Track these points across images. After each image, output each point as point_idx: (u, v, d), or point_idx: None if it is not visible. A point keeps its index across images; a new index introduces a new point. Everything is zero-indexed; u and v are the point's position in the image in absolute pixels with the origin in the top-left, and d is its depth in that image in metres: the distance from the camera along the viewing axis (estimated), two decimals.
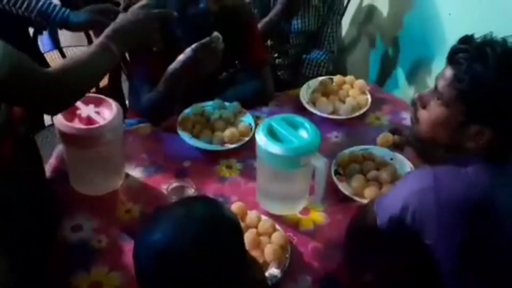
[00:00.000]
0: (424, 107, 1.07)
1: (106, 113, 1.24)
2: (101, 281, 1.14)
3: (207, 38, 1.42)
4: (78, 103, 1.21)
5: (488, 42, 0.98)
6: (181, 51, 1.48)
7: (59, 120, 1.20)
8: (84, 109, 1.22)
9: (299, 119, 1.24)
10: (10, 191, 1.09)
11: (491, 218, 0.97)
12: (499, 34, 1.00)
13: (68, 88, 1.03)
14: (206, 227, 0.76)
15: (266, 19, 1.86)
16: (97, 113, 1.23)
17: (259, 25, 1.83)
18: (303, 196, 1.29)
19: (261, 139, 1.17)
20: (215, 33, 1.42)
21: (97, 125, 1.20)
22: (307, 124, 1.22)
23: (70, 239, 1.22)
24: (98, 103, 1.26)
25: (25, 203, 1.14)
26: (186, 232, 0.75)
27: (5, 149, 1.11)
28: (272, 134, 1.19)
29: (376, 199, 1.12)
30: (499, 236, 0.97)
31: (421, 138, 1.09)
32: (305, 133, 1.20)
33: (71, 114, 1.22)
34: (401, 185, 1.08)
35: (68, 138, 1.22)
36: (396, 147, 1.44)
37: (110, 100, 1.28)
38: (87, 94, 1.30)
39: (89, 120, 1.21)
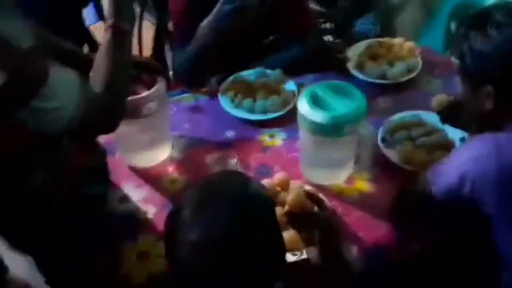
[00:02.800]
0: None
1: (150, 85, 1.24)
2: (148, 250, 1.16)
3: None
4: None
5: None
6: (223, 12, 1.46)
7: None
8: None
9: (344, 85, 1.19)
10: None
11: None
12: None
13: (118, 99, 1.02)
14: (237, 212, 0.75)
15: None
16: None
17: None
18: (347, 164, 1.25)
19: (303, 106, 1.14)
20: None
21: (140, 95, 1.20)
22: (353, 90, 1.17)
23: (117, 210, 1.25)
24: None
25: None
26: (217, 219, 0.74)
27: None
28: (315, 101, 1.15)
29: (431, 167, 1.06)
30: None
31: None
32: (351, 99, 1.15)
33: None
34: (460, 152, 1.02)
35: None
36: (450, 109, 1.33)
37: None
38: None
39: (133, 91, 1.22)
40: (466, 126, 1.26)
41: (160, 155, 1.36)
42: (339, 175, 1.27)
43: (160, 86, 1.21)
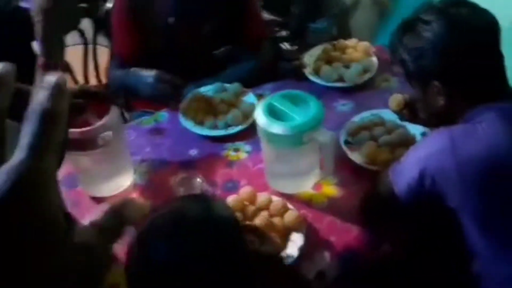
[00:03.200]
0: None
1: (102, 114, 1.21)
2: (118, 281, 1.12)
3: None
4: None
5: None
6: (167, 26, 1.46)
7: None
8: None
9: (300, 93, 1.19)
10: None
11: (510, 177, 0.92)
12: None
13: None
14: (201, 238, 0.73)
15: None
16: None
17: None
18: (312, 171, 1.24)
19: (260, 119, 1.13)
20: None
21: (93, 126, 1.17)
22: (308, 98, 1.16)
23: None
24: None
25: None
26: (181, 246, 0.72)
27: None
28: (272, 113, 1.15)
29: (391, 167, 1.07)
30: None
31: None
32: (307, 107, 1.15)
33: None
34: (417, 149, 1.04)
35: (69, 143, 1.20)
36: (409, 107, 1.33)
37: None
38: None
39: (86, 123, 1.19)
40: (425, 123, 1.28)
41: (122, 183, 1.33)
42: (305, 183, 1.26)
43: (113, 114, 1.18)
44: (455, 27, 0.99)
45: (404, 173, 1.01)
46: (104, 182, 1.31)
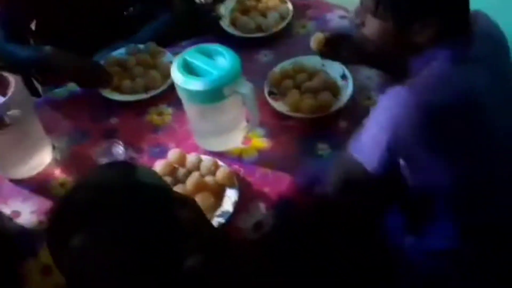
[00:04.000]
0: (363, 24, 0.99)
1: (3, 89, 1.12)
2: (50, 263, 1.07)
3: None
4: None
5: None
6: None
7: None
8: None
9: (215, 47, 1.15)
10: None
11: (472, 112, 0.92)
12: None
13: None
14: (126, 207, 0.67)
15: None
16: None
17: None
18: (239, 126, 1.23)
19: (177, 77, 1.09)
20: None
21: None
22: (224, 50, 1.13)
23: (10, 228, 1.15)
24: None
25: None
26: (105, 220, 0.66)
27: None
28: (188, 69, 1.11)
29: (351, 146, 1.01)
30: (479, 126, 0.93)
31: (373, 55, 1.04)
32: (224, 61, 1.12)
33: None
34: (379, 113, 0.96)
35: None
36: (329, 45, 1.27)
37: (7, 75, 1.15)
38: None
39: None
40: (348, 60, 1.29)
41: (41, 161, 1.26)
42: (234, 138, 1.25)
43: (16, 88, 1.10)
44: None
45: (372, 147, 0.95)
46: (21, 163, 1.23)
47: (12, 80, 1.13)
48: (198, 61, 1.10)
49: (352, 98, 1.31)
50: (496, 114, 0.95)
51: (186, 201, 0.80)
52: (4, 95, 1.09)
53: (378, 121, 0.95)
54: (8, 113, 1.06)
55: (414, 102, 0.89)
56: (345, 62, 1.32)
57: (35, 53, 1.36)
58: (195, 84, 1.06)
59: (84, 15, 1.41)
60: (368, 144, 0.97)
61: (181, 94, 1.13)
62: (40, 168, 1.25)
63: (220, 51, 1.13)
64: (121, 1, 1.50)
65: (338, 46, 1.25)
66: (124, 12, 1.53)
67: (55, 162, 1.27)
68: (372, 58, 1.15)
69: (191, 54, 1.12)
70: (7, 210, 1.18)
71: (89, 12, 1.42)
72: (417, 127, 0.89)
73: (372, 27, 0.98)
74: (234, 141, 1.26)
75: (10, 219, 1.17)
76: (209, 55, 1.12)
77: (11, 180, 1.24)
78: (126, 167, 0.75)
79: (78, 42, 1.34)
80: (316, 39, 1.26)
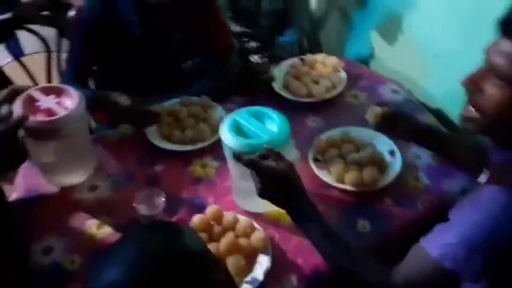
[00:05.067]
0: (480, 90, 0.89)
1: (68, 103, 1.18)
2: None
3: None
4: (38, 94, 1.16)
5: None
6: (132, 43, 1.43)
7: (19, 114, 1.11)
8: (44, 100, 1.16)
9: (266, 110, 1.16)
10: None
11: None
12: None
13: None
14: (162, 268, 0.68)
15: None
16: (58, 103, 1.17)
17: None
18: None
19: (226, 135, 1.10)
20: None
21: (57, 117, 1.14)
22: (275, 115, 1.14)
23: (41, 263, 1.16)
24: (59, 93, 1.20)
25: None
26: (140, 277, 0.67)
27: None
28: (238, 129, 1.12)
29: (426, 240, 0.93)
30: None
31: (487, 128, 0.91)
32: (274, 125, 1.13)
33: (32, 106, 1.14)
34: (462, 214, 0.89)
35: (31, 132, 1.13)
36: (386, 120, 1.27)
37: (73, 91, 1.21)
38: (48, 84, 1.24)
39: (50, 112, 1.15)
40: (404, 136, 1.28)
41: (84, 174, 1.32)
42: None
43: (78, 105, 1.16)
44: None
45: (460, 246, 0.86)
46: (64, 171, 1.29)
47: (76, 95, 1.19)
48: (248, 123, 1.11)
49: (399, 176, 1.28)
50: None
51: (221, 267, 0.79)
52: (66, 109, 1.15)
53: (471, 220, 0.86)
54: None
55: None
56: (399, 138, 1.31)
57: (93, 93, 1.43)
58: (242, 145, 1.07)
59: (144, 65, 1.48)
60: (456, 243, 0.87)
61: (227, 153, 1.14)
62: (80, 180, 1.31)
63: (272, 115, 1.14)
64: (180, 55, 1.56)
65: (394, 122, 1.25)
66: (182, 65, 1.58)
67: (96, 201, 1.29)
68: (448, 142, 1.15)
69: (242, 115, 1.13)
70: (40, 245, 1.19)
71: (149, 62, 1.48)
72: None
73: (497, 94, 0.86)
74: (272, 204, 1.24)
75: (42, 253, 1.18)
76: (260, 118, 1.14)
77: (50, 215, 1.27)
78: (170, 231, 0.75)
79: (134, 88, 1.40)
80: (373, 112, 1.26)
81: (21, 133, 1.07)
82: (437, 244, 0.89)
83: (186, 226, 1.08)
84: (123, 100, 1.36)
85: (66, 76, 1.51)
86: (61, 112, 1.14)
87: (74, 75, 1.48)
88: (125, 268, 0.67)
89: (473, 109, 0.91)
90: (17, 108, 1.09)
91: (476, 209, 0.87)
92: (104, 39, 1.44)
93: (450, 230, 0.89)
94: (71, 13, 1.74)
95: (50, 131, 1.14)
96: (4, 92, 1.12)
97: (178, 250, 0.71)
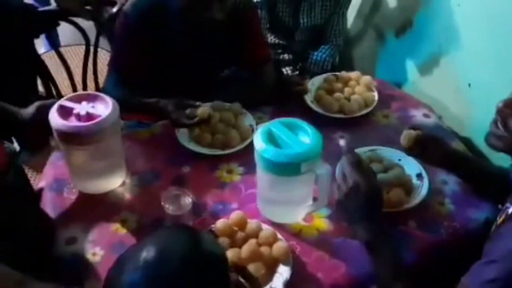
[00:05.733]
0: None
1: (102, 108, 1.21)
2: None
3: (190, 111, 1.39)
4: (72, 103, 1.18)
5: None
6: (176, 48, 1.45)
7: (57, 121, 1.15)
8: (79, 107, 1.18)
9: (300, 123, 1.17)
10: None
11: None
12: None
13: None
14: (182, 272, 0.69)
15: None
16: (93, 108, 1.19)
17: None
18: (305, 202, 1.23)
19: (259, 144, 1.11)
20: (203, 108, 1.40)
21: (96, 121, 1.16)
22: (308, 128, 1.15)
23: (64, 252, 1.18)
24: (92, 99, 1.23)
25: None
26: (159, 280, 0.68)
27: None
28: (271, 139, 1.13)
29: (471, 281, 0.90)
30: None
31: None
32: (307, 138, 1.13)
33: (67, 113, 1.18)
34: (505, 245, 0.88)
35: (68, 137, 1.17)
36: (419, 143, 1.27)
37: (107, 97, 1.24)
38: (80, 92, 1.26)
39: (86, 117, 1.17)
40: (434, 161, 1.28)
41: (115, 181, 1.32)
42: (296, 213, 1.24)
43: (112, 109, 1.18)
44: None
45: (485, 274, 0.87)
46: (97, 179, 1.30)
47: (110, 101, 1.21)
48: (282, 134, 1.12)
49: (425, 199, 1.27)
50: None
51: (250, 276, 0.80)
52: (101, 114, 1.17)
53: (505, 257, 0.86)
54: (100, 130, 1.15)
55: None
56: (429, 162, 1.31)
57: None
58: (275, 155, 1.08)
59: (183, 73, 1.50)
60: (500, 279, 0.85)
61: (258, 161, 1.14)
62: (112, 187, 1.31)
63: (305, 128, 1.15)
64: (219, 64, 1.59)
65: (426, 146, 1.25)
66: (220, 74, 1.61)
67: (122, 197, 1.31)
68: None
69: (276, 125, 1.14)
70: (66, 234, 1.21)
71: (188, 70, 1.51)
72: None
73: None
74: (296, 216, 1.25)
75: (66, 242, 1.20)
76: (294, 129, 1.14)
77: (76, 205, 1.29)
78: (192, 236, 0.76)
79: (172, 95, 1.43)
80: (407, 136, 1.27)
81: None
82: (481, 282, 0.87)
83: (206, 232, 1.09)
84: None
85: (113, 81, 1.53)
86: (96, 118, 1.16)
87: (120, 77, 1.51)
88: (145, 270, 0.69)
89: (501, 127, 0.96)
90: (53, 117, 1.14)
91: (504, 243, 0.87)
92: (151, 51, 1.48)
93: (491, 265, 0.87)
94: (114, 9, 1.79)
95: (88, 136, 1.16)
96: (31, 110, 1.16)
97: (198, 254, 0.72)
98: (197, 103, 1.41)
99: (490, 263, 0.88)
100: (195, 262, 0.71)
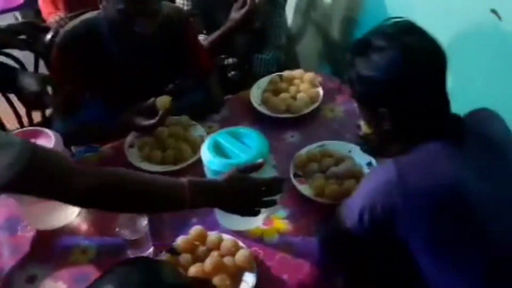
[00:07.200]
0: None
1: (44, 143, 1.19)
2: None
3: (151, 102, 1.40)
4: None
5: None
6: (116, 69, 1.44)
7: None
8: None
9: (244, 130, 1.19)
10: None
11: (459, 208, 0.94)
12: None
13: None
14: None
15: (218, 33, 1.79)
16: None
17: (208, 41, 1.77)
18: None
19: (205, 156, 1.12)
20: (162, 99, 1.39)
21: None
22: (253, 134, 1.17)
23: None
24: (35, 135, 1.21)
25: None
26: None
27: None
28: (218, 150, 1.14)
29: (343, 202, 1.09)
30: (470, 225, 0.94)
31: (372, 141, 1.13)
32: (253, 145, 1.15)
33: None
34: (366, 182, 1.05)
35: None
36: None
37: (48, 131, 1.23)
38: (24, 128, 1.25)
39: None
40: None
41: (70, 214, 1.30)
42: (255, 218, 1.24)
43: (55, 145, 1.16)
44: (408, 56, 0.97)
45: (354, 207, 1.02)
46: (51, 214, 1.27)
47: (53, 137, 1.20)
48: (228, 143, 1.13)
49: None
50: (486, 216, 0.95)
51: None
52: None
53: (365, 186, 1.04)
54: None
55: (396, 180, 0.95)
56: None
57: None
58: (222, 165, 1.09)
59: (126, 90, 1.49)
60: (353, 204, 1.03)
61: (207, 172, 1.15)
62: (67, 221, 1.29)
63: (249, 134, 1.16)
64: (164, 79, 1.58)
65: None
66: (165, 89, 1.60)
67: (78, 226, 1.29)
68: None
69: (222, 136, 1.15)
70: (24, 273, 1.18)
71: (131, 88, 1.50)
72: (394, 205, 0.95)
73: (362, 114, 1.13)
74: (255, 221, 1.25)
75: (26, 281, 1.16)
76: (239, 137, 1.15)
77: (31, 242, 1.26)
78: (152, 269, 0.76)
79: (121, 109, 1.42)
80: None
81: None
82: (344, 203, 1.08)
83: (166, 262, 1.08)
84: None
85: (63, 117, 1.51)
86: None
87: (72, 111, 1.49)
88: None
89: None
90: None
91: (367, 180, 1.07)
92: (87, 68, 1.46)
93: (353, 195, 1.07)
94: (48, 36, 1.75)
95: None
96: None
97: (157, 286, 0.72)
98: (151, 99, 1.41)
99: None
100: None
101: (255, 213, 1.07)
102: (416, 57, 0.98)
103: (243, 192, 1.04)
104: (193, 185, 1.01)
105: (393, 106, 1.01)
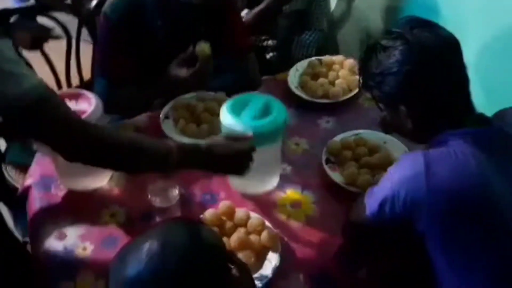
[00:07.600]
0: None
1: (85, 105, 1.21)
2: None
3: (190, 50, 1.38)
4: None
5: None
6: (158, 43, 1.43)
7: None
8: None
9: (266, 97, 1.23)
10: None
11: (483, 207, 0.93)
12: None
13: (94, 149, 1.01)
14: (184, 263, 0.71)
15: (261, 7, 1.77)
16: (76, 106, 1.19)
17: (252, 14, 1.75)
18: (274, 171, 1.28)
19: (224, 116, 1.18)
20: (201, 45, 1.37)
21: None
22: (275, 103, 1.21)
23: (55, 248, 1.18)
24: (75, 97, 1.22)
25: None
26: (163, 272, 0.69)
27: None
28: (236, 112, 1.19)
29: (368, 189, 1.07)
30: (491, 225, 0.94)
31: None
32: (271, 111, 1.18)
33: None
34: (392, 172, 1.04)
35: None
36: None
37: (88, 93, 1.24)
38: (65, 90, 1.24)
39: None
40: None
41: (102, 178, 1.32)
42: (268, 182, 1.28)
43: (95, 108, 1.18)
44: (417, 52, 0.98)
45: (377, 196, 1.02)
46: (84, 176, 1.29)
47: (94, 100, 1.22)
48: (247, 107, 1.20)
49: None
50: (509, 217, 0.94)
51: (241, 265, 0.81)
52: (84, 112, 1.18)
53: (391, 175, 1.02)
54: None
55: (424, 173, 0.94)
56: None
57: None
58: (238, 126, 1.14)
59: (166, 65, 1.50)
60: (378, 192, 1.03)
61: (223, 132, 1.19)
62: (98, 185, 1.31)
63: (270, 102, 1.20)
64: None
65: None
66: None
67: (110, 191, 1.31)
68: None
69: (242, 100, 1.22)
70: (54, 230, 1.22)
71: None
72: (418, 197, 0.94)
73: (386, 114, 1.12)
74: (268, 184, 1.28)
75: (55, 239, 1.20)
76: (259, 104, 1.20)
77: (65, 201, 1.29)
78: (193, 229, 0.78)
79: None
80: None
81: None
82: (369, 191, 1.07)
83: (205, 224, 1.10)
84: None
85: (104, 84, 1.52)
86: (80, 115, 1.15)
87: (115, 82, 1.50)
88: (148, 262, 0.70)
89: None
90: None
91: (394, 170, 1.05)
92: (133, 48, 1.47)
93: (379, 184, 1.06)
94: (93, 3, 1.76)
95: None
96: None
97: (199, 245, 0.73)
98: (189, 48, 1.41)
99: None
100: (197, 254, 0.72)
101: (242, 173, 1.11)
102: (424, 51, 0.98)
103: (227, 156, 1.09)
104: (180, 148, 1.05)
105: (407, 102, 1.01)
